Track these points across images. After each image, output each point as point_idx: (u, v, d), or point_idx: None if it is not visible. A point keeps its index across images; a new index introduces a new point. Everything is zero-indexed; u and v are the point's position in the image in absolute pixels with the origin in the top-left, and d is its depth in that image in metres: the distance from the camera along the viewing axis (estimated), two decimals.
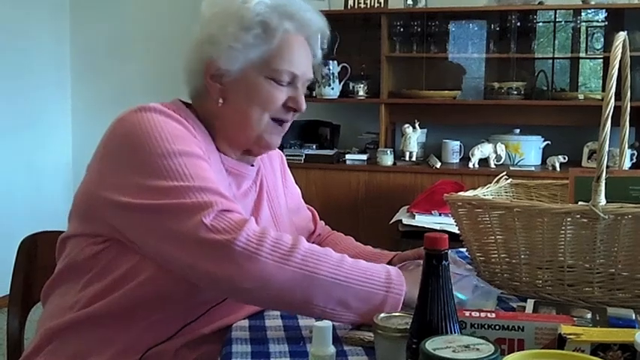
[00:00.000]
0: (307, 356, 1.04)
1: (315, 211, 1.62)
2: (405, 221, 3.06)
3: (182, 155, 1.15)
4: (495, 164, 3.49)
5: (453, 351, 0.70)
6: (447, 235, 0.86)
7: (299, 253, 1.09)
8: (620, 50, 1.22)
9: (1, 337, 3.33)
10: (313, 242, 1.56)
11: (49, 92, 4.26)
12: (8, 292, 1.47)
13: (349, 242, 1.56)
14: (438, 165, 3.52)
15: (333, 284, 1.09)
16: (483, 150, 3.48)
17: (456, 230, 1.43)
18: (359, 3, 3.70)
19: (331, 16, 4.17)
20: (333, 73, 3.70)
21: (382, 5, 3.68)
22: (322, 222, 1.63)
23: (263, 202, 1.39)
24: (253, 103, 1.28)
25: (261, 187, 1.40)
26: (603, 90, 3.47)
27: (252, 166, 1.39)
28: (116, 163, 1.18)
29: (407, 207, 3.20)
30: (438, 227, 2.83)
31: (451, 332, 0.82)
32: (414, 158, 3.64)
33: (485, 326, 0.95)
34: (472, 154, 3.48)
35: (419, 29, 3.68)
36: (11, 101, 3.95)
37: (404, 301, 1.12)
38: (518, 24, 3.56)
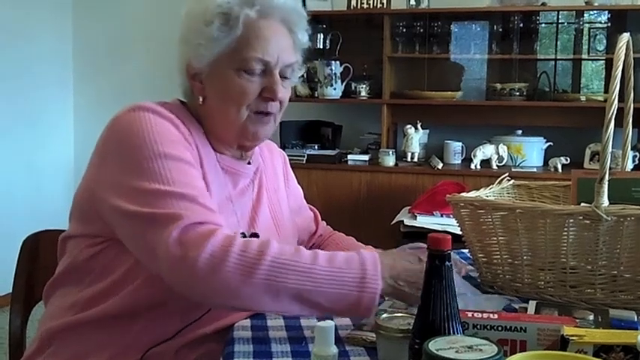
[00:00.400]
0: (309, 356, 1.04)
1: (317, 212, 1.62)
2: (407, 222, 3.05)
3: (168, 158, 1.15)
4: (497, 165, 3.49)
5: (456, 351, 0.70)
6: (450, 236, 0.85)
7: (265, 263, 1.07)
8: (624, 51, 1.22)
9: (3, 335, 3.34)
10: (314, 243, 1.56)
11: (51, 91, 4.27)
12: (10, 291, 1.48)
13: (350, 242, 1.55)
14: (440, 166, 3.52)
15: (302, 291, 1.07)
16: (485, 151, 3.48)
17: (457, 231, 1.43)
18: (361, 3, 3.70)
19: (334, 17, 4.16)
20: (335, 74, 3.70)
21: (385, 6, 3.68)
22: (324, 222, 1.62)
23: (262, 202, 1.38)
24: (227, 99, 1.26)
25: (260, 186, 1.39)
26: (605, 91, 3.48)
27: (250, 164, 1.38)
28: (109, 161, 1.19)
29: (408, 208, 3.20)
30: (439, 228, 2.83)
31: (454, 333, 0.82)
32: (415, 159, 3.64)
33: (488, 327, 0.95)
34: (474, 155, 3.48)
35: (421, 30, 3.68)
36: (13, 101, 3.96)
37: (383, 290, 1.11)
38: (521, 25, 3.56)
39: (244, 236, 1.25)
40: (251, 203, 1.36)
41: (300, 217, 1.54)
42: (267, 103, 1.27)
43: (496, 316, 0.97)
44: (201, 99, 1.29)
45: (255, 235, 1.30)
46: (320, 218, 1.61)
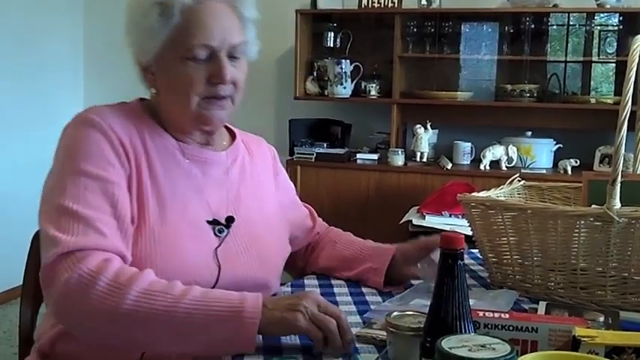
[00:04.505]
0: (320, 353, 1.05)
1: (312, 209, 1.59)
2: (415, 222, 3.05)
3: (86, 176, 1.15)
4: (507, 166, 3.48)
5: (469, 350, 0.71)
6: (463, 235, 0.86)
7: (132, 295, 1.05)
8: (638, 54, 1.21)
9: (11, 328, 3.37)
10: (312, 240, 1.54)
11: (62, 93, 4.29)
12: (22, 283, 1.49)
13: (347, 238, 1.54)
14: (449, 166, 3.52)
15: (174, 317, 1.05)
16: (495, 152, 3.48)
17: (466, 232, 1.43)
18: (373, 2, 3.70)
19: (345, 15, 4.17)
20: (345, 72, 3.71)
21: (396, 5, 3.68)
22: (320, 219, 1.60)
23: (246, 194, 1.35)
24: (176, 89, 1.25)
25: (242, 177, 1.36)
26: (615, 94, 3.47)
27: (222, 152, 1.35)
28: (51, 170, 1.22)
29: (417, 207, 3.20)
30: (448, 228, 2.83)
31: (466, 332, 0.82)
32: (424, 159, 3.63)
33: (499, 327, 0.95)
34: (483, 156, 3.48)
35: (432, 30, 3.68)
36: (25, 102, 3.99)
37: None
38: (532, 26, 3.55)
39: (215, 222, 1.26)
40: (233, 196, 1.32)
41: (294, 212, 1.51)
42: (217, 87, 1.24)
43: (507, 315, 0.97)
44: (154, 90, 1.29)
45: (230, 218, 1.28)
46: (316, 215, 1.59)
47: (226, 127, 1.42)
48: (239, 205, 1.32)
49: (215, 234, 1.27)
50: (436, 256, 1.32)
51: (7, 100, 3.88)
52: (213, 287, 1.20)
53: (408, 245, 1.42)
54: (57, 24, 4.25)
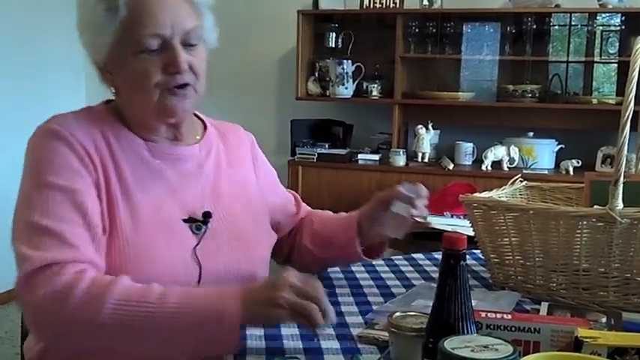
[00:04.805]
0: (321, 353, 1.05)
1: (297, 195, 1.56)
2: None
3: (51, 188, 1.13)
4: (508, 167, 3.48)
5: (472, 350, 0.71)
6: (465, 236, 0.86)
7: (109, 304, 1.04)
8: None
9: (13, 328, 3.37)
10: (295, 225, 1.50)
11: (63, 93, 4.29)
12: None
13: (323, 216, 1.51)
14: (451, 166, 3.52)
15: (153, 320, 1.04)
16: (496, 152, 3.48)
17: (468, 232, 1.42)
18: (374, 3, 3.70)
19: (346, 16, 4.16)
20: (347, 73, 3.71)
21: (397, 5, 3.68)
22: (305, 205, 1.55)
23: (224, 186, 1.31)
24: (133, 84, 1.21)
25: (218, 169, 1.32)
26: (617, 94, 3.47)
27: (195, 145, 1.31)
28: (20, 185, 1.20)
29: None
30: (449, 229, 2.82)
31: (468, 332, 0.82)
32: (426, 159, 3.63)
33: (502, 327, 0.95)
34: (485, 157, 3.47)
35: (434, 30, 3.68)
36: (26, 103, 3.98)
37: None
38: (534, 26, 3.55)
39: (192, 220, 1.23)
40: (209, 188, 1.29)
41: (275, 197, 1.46)
42: (175, 76, 1.19)
43: (510, 316, 0.97)
44: (113, 90, 1.26)
45: (207, 213, 1.25)
46: (301, 201, 1.54)
47: (198, 118, 1.37)
48: (218, 198, 1.29)
49: (193, 232, 1.23)
50: (398, 207, 1.32)
51: (7, 100, 3.88)
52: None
53: (366, 207, 1.41)
54: (56, 24, 4.25)
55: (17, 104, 3.94)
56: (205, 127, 1.37)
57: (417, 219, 1.34)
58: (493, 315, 0.96)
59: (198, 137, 1.33)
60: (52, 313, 1.06)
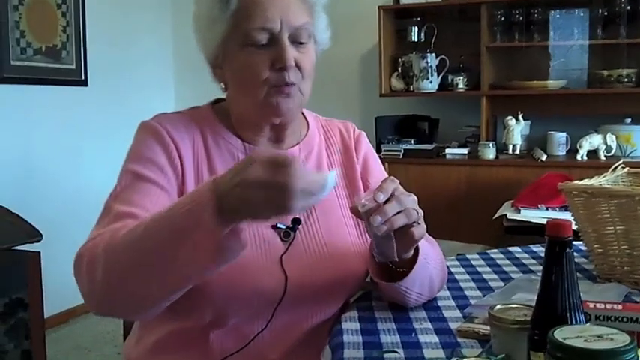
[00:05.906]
0: (420, 347, 1.02)
1: None
2: (510, 216, 2.96)
3: (132, 175, 1.16)
4: (605, 156, 3.33)
5: (585, 340, 0.66)
6: (570, 222, 0.81)
7: (101, 256, 1.01)
8: None
9: (115, 329, 3.49)
10: None
11: (152, 93, 4.42)
12: None
13: None
14: (544, 158, 3.40)
15: (145, 257, 0.98)
16: (592, 141, 3.34)
17: None
18: None
19: (428, 9, 4.08)
20: (431, 66, 3.65)
21: None
22: None
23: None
24: (241, 79, 1.20)
25: (317, 171, 1.26)
26: None
27: (295, 147, 1.27)
28: None
29: (511, 202, 3.11)
30: (544, 222, 2.73)
31: (577, 323, 0.78)
32: (517, 151, 3.53)
33: (612, 318, 0.90)
34: (580, 146, 3.34)
35: (520, 17, 3.57)
36: (116, 102, 4.12)
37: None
38: (628, 7, 3.38)
39: (281, 227, 1.20)
40: None
41: None
42: (282, 73, 1.16)
43: (620, 307, 0.92)
44: (223, 85, 1.26)
45: (296, 220, 1.21)
46: None
47: (304, 117, 1.33)
48: (315, 207, 1.22)
49: (281, 239, 1.20)
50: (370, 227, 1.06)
51: (101, 98, 4.01)
52: (282, 298, 1.15)
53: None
54: (146, 23, 4.37)
55: (106, 103, 4.06)
56: (308, 127, 1.33)
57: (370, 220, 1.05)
58: (602, 305, 0.91)
59: (300, 138, 1.30)
60: (80, 279, 1.05)
